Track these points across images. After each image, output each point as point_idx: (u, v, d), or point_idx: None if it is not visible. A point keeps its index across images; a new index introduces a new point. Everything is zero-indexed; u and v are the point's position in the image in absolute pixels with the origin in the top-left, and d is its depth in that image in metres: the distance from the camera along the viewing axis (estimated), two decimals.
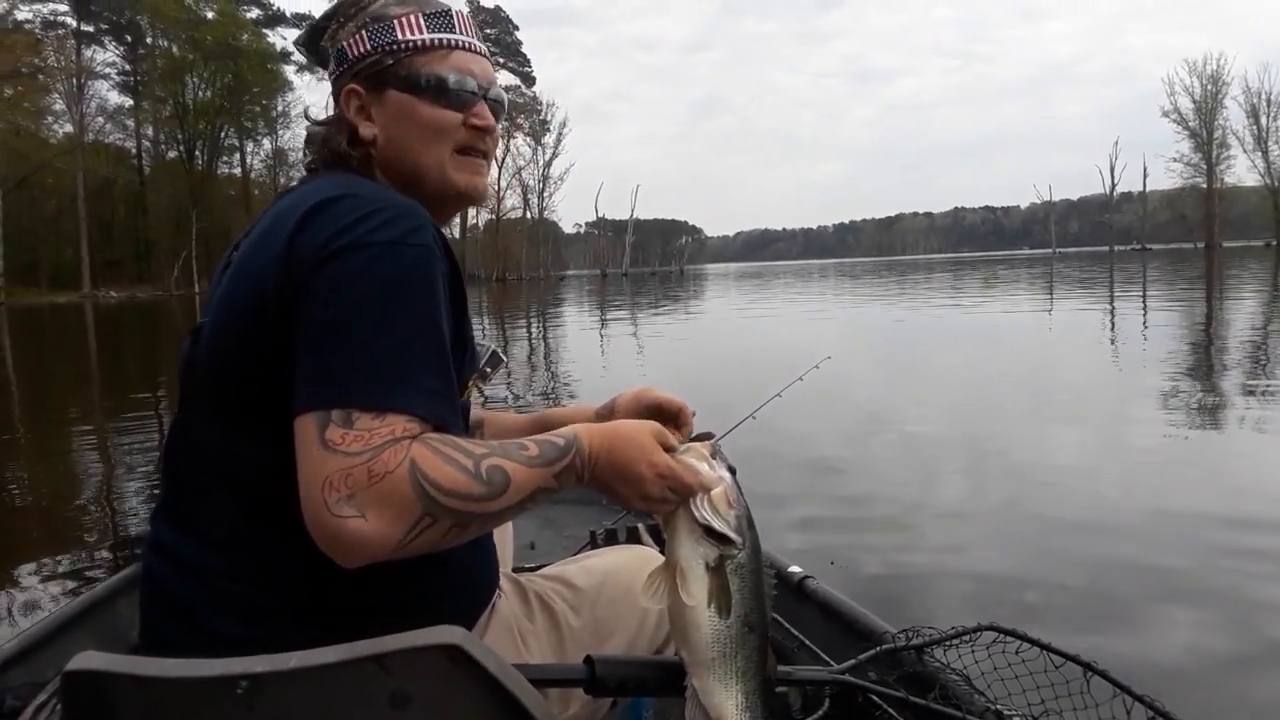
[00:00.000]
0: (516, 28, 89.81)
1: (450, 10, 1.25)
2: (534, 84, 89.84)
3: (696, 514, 1.06)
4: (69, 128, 62.51)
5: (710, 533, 1.05)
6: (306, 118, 1.30)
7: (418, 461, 0.91)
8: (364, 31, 1.21)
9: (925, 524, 4.07)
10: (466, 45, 1.25)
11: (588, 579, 1.40)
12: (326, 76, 1.28)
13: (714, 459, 1.09)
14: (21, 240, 58.18)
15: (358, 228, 1.00)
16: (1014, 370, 9.34)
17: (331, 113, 1.27)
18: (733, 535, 1.05)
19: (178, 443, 1.14)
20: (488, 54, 1.30)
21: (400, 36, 1.20)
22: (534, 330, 19.49)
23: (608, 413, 1.39)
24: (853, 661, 1.50)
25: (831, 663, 1.66)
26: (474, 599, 1.22)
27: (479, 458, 0.96)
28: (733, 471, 1.10)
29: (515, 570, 1.55)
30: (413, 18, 1.21)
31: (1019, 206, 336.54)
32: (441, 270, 1.04)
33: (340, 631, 0.90)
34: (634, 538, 2.28)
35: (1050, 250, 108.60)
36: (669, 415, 1.30)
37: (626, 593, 1.37)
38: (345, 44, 1.22)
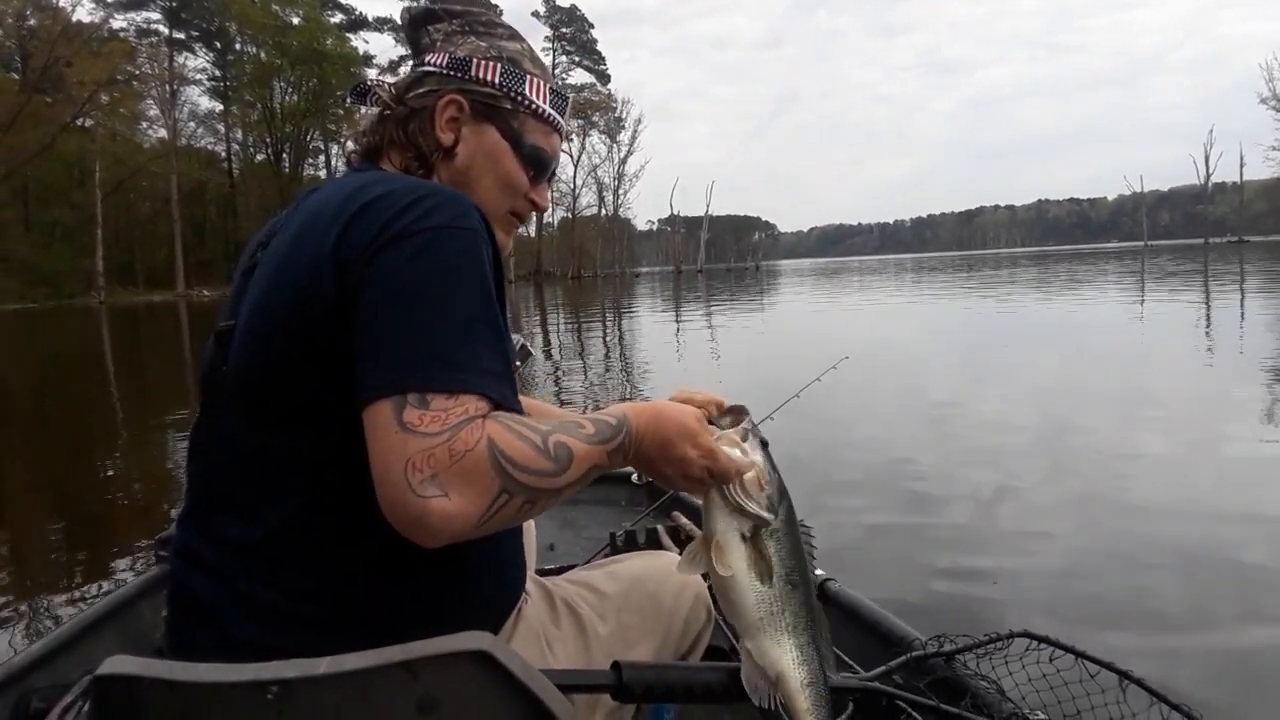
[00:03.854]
0: (592, 26, 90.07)
1: (569, 97, 1.33)
2: (609, 82, 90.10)
3: (730, 497, 1.10)
4: (163, 133, 65.04)
5: (744, 512, 1.10)
6: (380, 93, 1.28)
7: (494, 438, 0.93)
8: (497, 64, 1.26)
9: (959, 512, 3.93)
10: (564, 133, 1.34)
11: (614, 585, 1.41)
12: (411, 55, 1.32)
13: (746, 440, 1.13)
14: (119, 242, 60.61)
15: (406, 215, 1.01)
16: (1096, 373, 8.93)
17: (396, 79, 1.29)
18: (765, 515, 1.10)
19: (201, 447, 1.14)
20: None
21: (528, 93, 1.27)
22: (609, 325, 19.50)
23: None
24: (883, 668, 1.49)
25: (857, 668, 1.64)
26: (500, 604, 1.21)
27: (545, 434, 0.98)
28: (765, 445, 1.14)
29: (537, 572, 1.55)
30: (541, 85, 1.29)
31: (1106, 198, 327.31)
32: (488, 253, 1.06)
33: (366, 638, 0.90)
34: (654, 539, 2.28)
35: (1140, 243, 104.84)
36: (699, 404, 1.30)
37: (653, 600, 1.39)
38: (474, 60, 1.25)
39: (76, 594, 3.63)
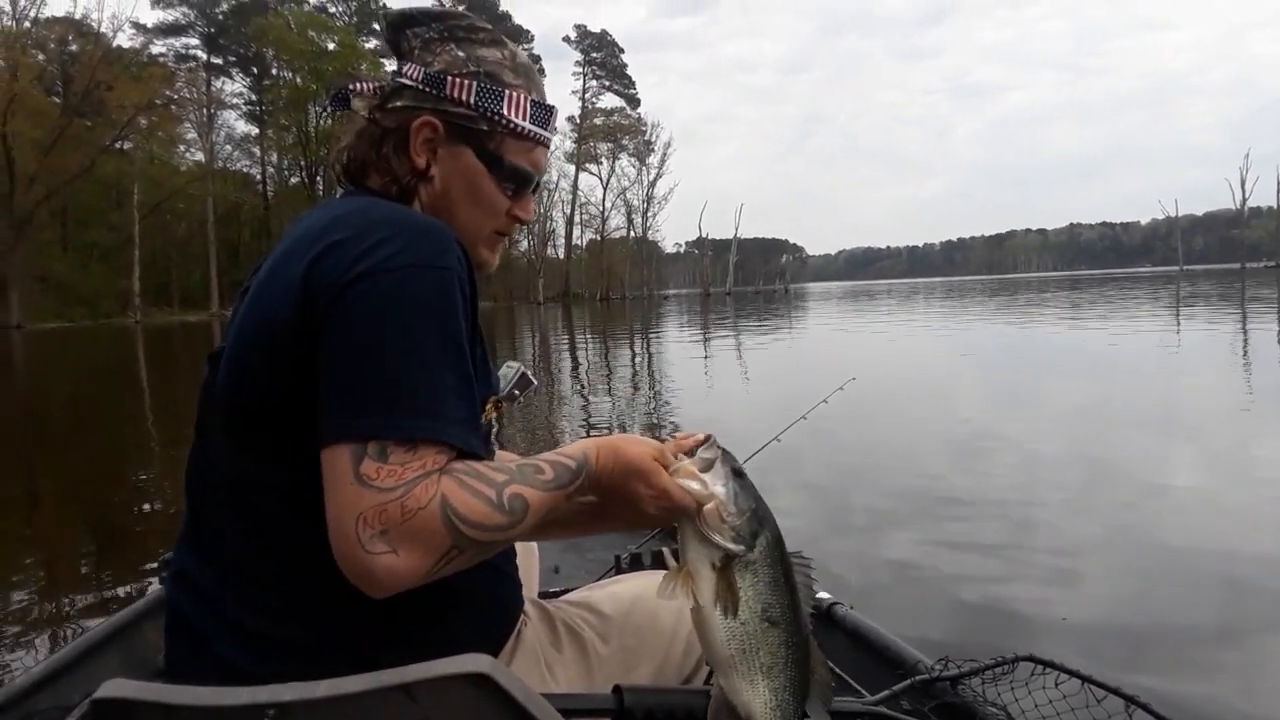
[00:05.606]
0: (622, 50, 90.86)
1: (553, 108, 1.27)
2: (638, 105, 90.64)
3: (698, 527, 1.07)
4: (200, 156, 66.20)
5: (711, 543, 1.06)
6: (345, 101, 1.24)
7: (448, 496, 0.92)
8: (473, 81, 1.19)
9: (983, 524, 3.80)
10: (548, 144, 1.27)
11: (615, 606, 1.38)
12: (393, 62, 1.26)
13: (708, 471, 1.08)
14: (155, 263, 61.60)
15: (379, 251, 0.99)
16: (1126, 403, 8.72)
17: (372, 93, 1.23)
18: (730, 547, 1.05)
19: (195, 469, 1.14)
20: None
21: (506, 113, 1.20)
22: (638, 348, 19.47)
23: None
24: (887, 692, 1.47)
25: (864, 692, 1.62)
26: (497, 627, 1.21)
27: (501, 486, 0.97)
28: (738, 475, 1.09)
29: (541, 595, 1.54)
30: (522, 98, 1.21)
31: (1139, 222, 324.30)
32: (463, 291, 1.03)
33: (357, 663, 0.88)
34: (659, 562, 2.26)
35: (1175, 268, 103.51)
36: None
37: (653, 620, 1.37)
38: (448, 77, 1.19)
39: (93, 612, 3.58)
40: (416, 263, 0.99)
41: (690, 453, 1.11)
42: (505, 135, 1.21)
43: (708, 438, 1.12)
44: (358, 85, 1.24)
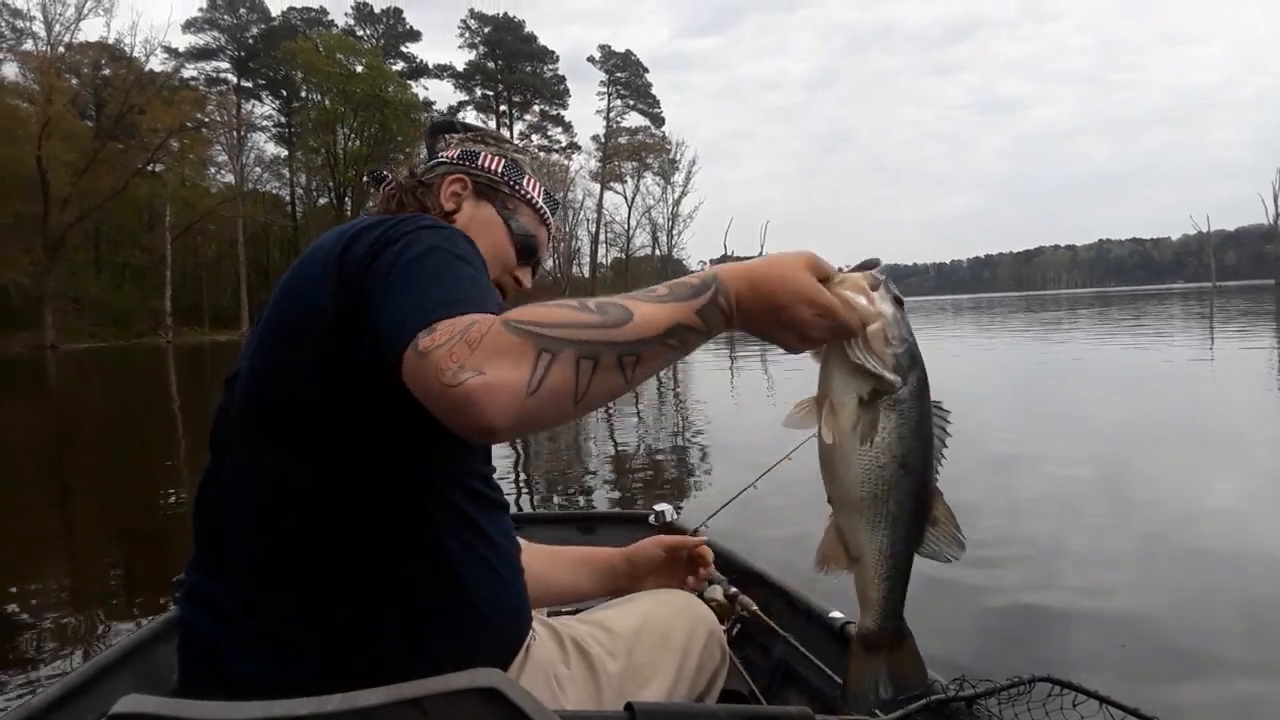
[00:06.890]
0: (646, 70, 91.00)
1: (559, 202, 1.52)
2: (663, 124, 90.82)
3: (850, 353, 0.99)
4: (230, 178, 66.94)
5: (865, 372, 0.99)
6: (380, 181, 1.44)
7: (508, 316, 0.89)
8: (501, 159, 1.44)
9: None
10: (551, 231, 1.50)
11: (624, 624, 1.40)
12: (427, 150, 1.50)
13: (876, 290, 1.01)
14: (186, 283, 62.30)
15: (400, 227, 1.06)
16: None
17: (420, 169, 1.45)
18: (888, 375, 0.99)
19: (210, 489, 1.16)
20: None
21: (524, 186, 1.44)
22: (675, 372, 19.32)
23: (627, 560, 1.66)
24: (901, 712, 1.44)
25: (877, 712, 1.58)
26: (505, 642, 1.22)
27: (581, 300, 0.94)
28: (899, 303, 1.03)
29: (549, 614, 1.54)
30: (537, 185, 1.46)
31: (1170, 238, 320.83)
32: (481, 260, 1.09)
33: (369, 676, 0.89)
34: None
35: (1208, 284, 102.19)
36: (683, 557, 1.59)
37: (665, 639, 1.39)
38: (482, 153, 1.43)
39: (110, 634, 3.54)
40: (435, 225, 1.09)
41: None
42: (521, 203, 1.42)
43: (876, 261, 1.04)
44: (390, 173, 1.44)
